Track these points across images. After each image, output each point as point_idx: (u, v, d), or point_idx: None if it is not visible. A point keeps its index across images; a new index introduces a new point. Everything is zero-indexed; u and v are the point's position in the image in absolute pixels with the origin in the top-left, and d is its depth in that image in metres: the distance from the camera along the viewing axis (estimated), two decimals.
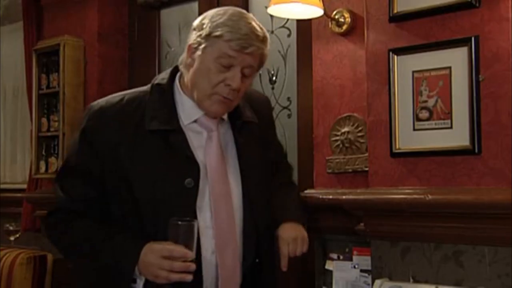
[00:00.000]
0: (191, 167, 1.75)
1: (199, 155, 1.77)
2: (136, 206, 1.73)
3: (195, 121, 1.80)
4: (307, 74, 2.67)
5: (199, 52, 1.72)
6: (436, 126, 2.00)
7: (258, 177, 1.87)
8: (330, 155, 2.49)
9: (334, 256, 2.39)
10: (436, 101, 2.01)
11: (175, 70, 1.85)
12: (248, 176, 1.84)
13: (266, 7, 2.49)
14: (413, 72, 2.06)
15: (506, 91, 1.86)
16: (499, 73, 1.87)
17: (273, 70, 2.99)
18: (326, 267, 2.41)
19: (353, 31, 2.44)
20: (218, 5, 3.11)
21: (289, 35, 2.92)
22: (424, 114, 2.03)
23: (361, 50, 2.36)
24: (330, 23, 2.48)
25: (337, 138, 2.47)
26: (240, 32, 1.69)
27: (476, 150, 1.91)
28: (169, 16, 3.52)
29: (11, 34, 4.29)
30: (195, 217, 1.71)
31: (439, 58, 2.00)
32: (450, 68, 1.98)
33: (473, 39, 1.92)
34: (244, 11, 1.80)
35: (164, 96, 1.79)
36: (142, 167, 1.73)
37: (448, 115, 1.98)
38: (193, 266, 1.63)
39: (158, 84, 1.82)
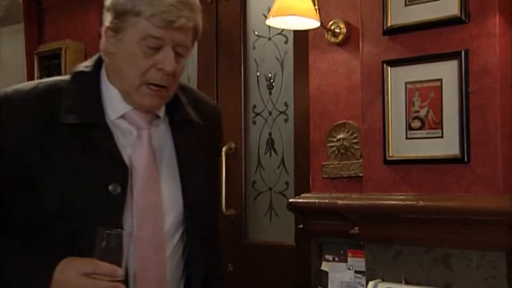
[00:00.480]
0: (118, 169, 1.42)
1: (125, 157, 1.45)
2: (46, 218, 1.39)
3: (122, 116, 1.47)
4: (303, 81, 2.76)
5: (119, 35, 1.42)
6: (428, 135, 2.10)
7: (201, 185, 1.53)
8: (326, 160, 2.58)
9: (330, 257, 2.49)
10: (428, 111, 2.10)
11: (98, 58, 1.52)
12: (190, 184, 1.51)
13: (264, 15, 2.59)
14: (406, 83, 2.15)
15: (494, 103, 1.96)
16: (487, 86, 1.97)
17: (271, 75, 3.09)
18: (322, 268, 2.51)
19: (348, 41, 2.53)
20: (216, 12, 3.22)
21: (286, 42, 3.01)
22: (416, 123, 2.12)
23: (355, 60, 2.45)
24: (326, 33, 2.56)
25: (333, 144, 2.56)
26: (162, 3, 1.38)
27: (465, 159, 2.00)
28: None
29: (12, 36, 4.36)
30: None
31: (430, 70, 2.09)
32: (441, 80, 2.07)
33: (462, 53, 2.01)
34: None
35: (87, 85, 1.47)
36: (53, 170, 1.39)
37: (439, 125, 2.07)
38: (122, 287, 1.31)
39: (80, 72, 1.49)
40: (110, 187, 1.40)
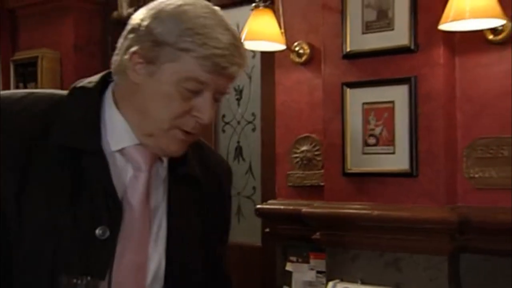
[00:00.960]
0: (109, 209, 1.19)
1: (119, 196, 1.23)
2: (4, 260, 1.14)
3: (120, 150, 1.25)
4: (270, 95, 2.98)
5: (151, 67, 1.18)
6: (382, 151, 2.34)
7: (189, 247, 1.33)
8: (291, 170, 2.81)
9: (294, 259, 2.72)
10: (382, 129, 2.34)
11: (109, 75, 1.29)
12: (177, 243, 1.30)
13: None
14: (363, 103, 2.38)
15: (438, 126, 2.21)
16: (432, 110, 2.22)
17: (239, 87, 3.30)
18: (287, 268, 2.74)
19: (311, 61, 2.75)
20: None
21: (253, 56, 3.22)
22: (372, 140, 2.36)
23: (317, 79, 2.67)
24: (291, 54, 2.78)
25: (297, 155, 2.79)
26: (218, 45, 1.16)
27: (414, 174, 2.25)
28: None
29: None
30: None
31: (384, 93, 2.33)
32: (393, 102, 2.31)
33: (412, 79, 2.26)
34: (214, 7, 1.25)
35: (87, 103, 1.23)
36: (30, 200, 1.15)
37: (392, 142, 2.31)
38: None
39: (81, 88, 1.25)
40: (97, 231, 1.17)
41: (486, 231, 2.17)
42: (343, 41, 2.42)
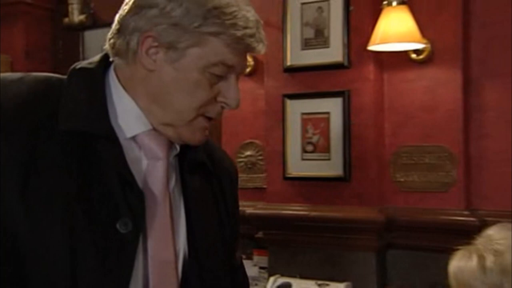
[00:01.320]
0: (130, 198, 1.04)
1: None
2: (19, 266, 0.99)
3: (133, 138, 1.10)
4: None
5: (173, 54, 1.06)
6: (318, 158, 2.58)
7: (211, 240, 1.20)
8: None
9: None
10: (319, 138, 2.57)
11: (107, 56, 1.13)
12: (199, 237, 1.17)
13: None
14: (302, 113, 2.61)
15: (368, 135, 2.46)
16: (363, 121, 2.47)
17: None
18: None
19: (255, 73, 2.95)
20: None
21: None
22: (310, 147, 2.59)
23: (260, 90, 2.87)
24: None
25: (242, 159, 3.00)
26: (248, 24, 1.07)
27: (347, 178, 2.49)
28: (92, 37, 3.89)
29: None
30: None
31: (321, 104, 2.56)
32: (329, 113, 2.55)
33: (346, 92, 2.50)
34: None
35: (91, 84, 1.09)
36: (36, 196, 0.99)
37: (327, 149, 2.55)
38: None
39: (82, 69, 1.11)
40: (118, 224, 1.02)
41: (410, 229, 2.44)
42: (284, 56, 2.63)
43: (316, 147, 2.58)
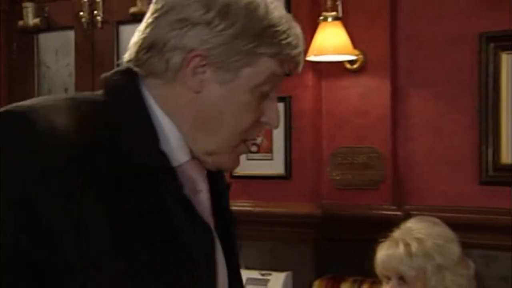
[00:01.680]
0: (200, 232, 1.00)
1: None
2: None
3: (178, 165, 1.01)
4: None
5: (225, 75, 0.96)
6: (262, 158, 2.80)
7: (237, 266, 1.22)
8: None
9: None
10: (262, 140, 2.79)
11: (131, 71, 0.99)
12: (232, 267, 1.17)
13: None
14: None
15: (307, 137, 2.70)
16: (303, 124, 2.70)
17: None
18: None
19: None
20: (93, 37, 3.68)
21: None
22: (254, 148, 2.81)
23: None
24: None
25: None
26: (298, 42, 1.01)
27: (288, 177, 2.73)
28: (46, 39, 4.00)
29: None
30: None
31: None
32: None
33: (287, 98, 2.72)
34: None
35: (138, 108, 0.97)
36: (120, 240, 0.90)
37: (270, 150, 2.78)
38: None
39: (119, 87, 0.98)
40: (193, 253, 0.98)
41: (345, 223, 2.68)
42: None
43: (260, 148, 2.80)
